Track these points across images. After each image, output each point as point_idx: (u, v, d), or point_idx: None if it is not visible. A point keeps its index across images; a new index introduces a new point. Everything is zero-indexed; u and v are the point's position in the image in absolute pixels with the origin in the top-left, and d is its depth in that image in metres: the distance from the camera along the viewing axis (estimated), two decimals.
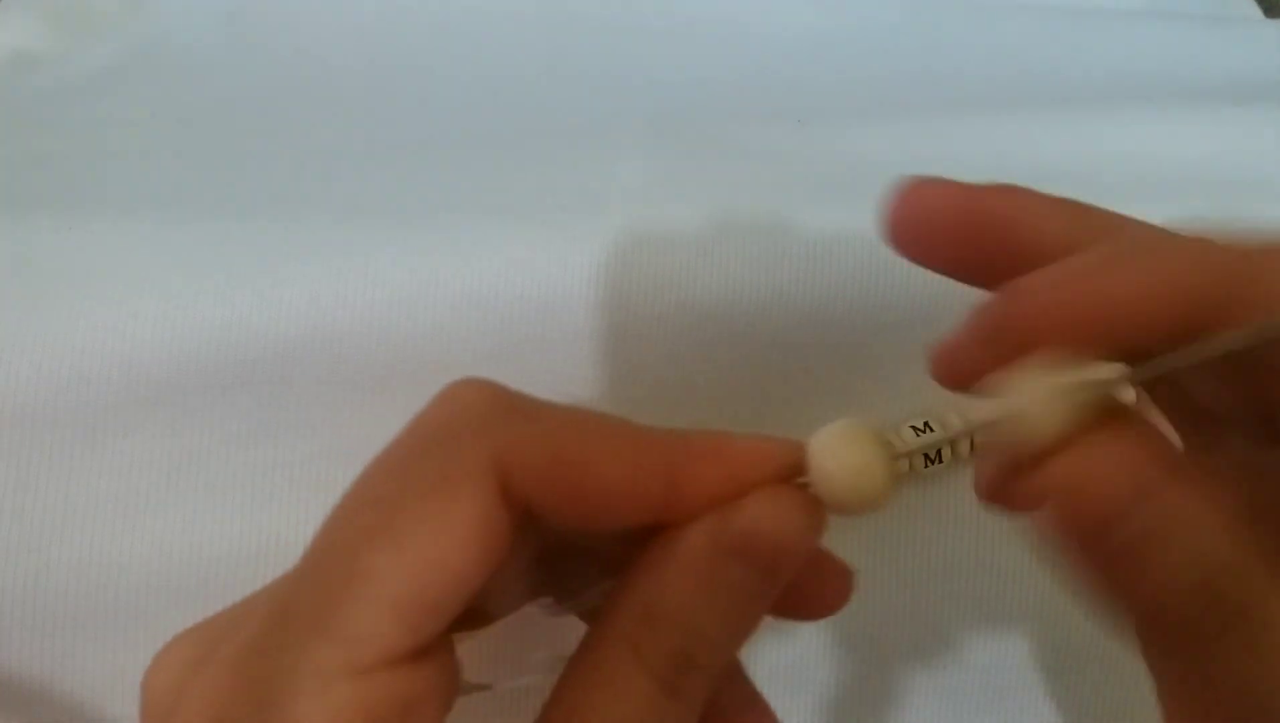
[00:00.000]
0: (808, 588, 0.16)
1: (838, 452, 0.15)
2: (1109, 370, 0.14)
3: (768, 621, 0.16)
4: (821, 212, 0.26)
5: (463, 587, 0.13)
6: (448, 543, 0.13)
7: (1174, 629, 0.13)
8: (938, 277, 0.26)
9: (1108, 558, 0.13)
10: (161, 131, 0.33)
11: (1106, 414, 0.13)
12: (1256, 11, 0.41)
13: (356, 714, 0.13)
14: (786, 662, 0.28)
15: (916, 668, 0.29)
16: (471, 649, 0.16)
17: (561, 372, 0.25)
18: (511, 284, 0.24)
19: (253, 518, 0.25)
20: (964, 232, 0.16)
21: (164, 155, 0.31)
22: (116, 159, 0.31)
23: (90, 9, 0.38)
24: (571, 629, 0.16)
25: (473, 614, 0.15)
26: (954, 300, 0.26)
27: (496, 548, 0.14)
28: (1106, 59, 0.33)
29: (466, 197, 0.27)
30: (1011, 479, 0.14)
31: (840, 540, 0.28)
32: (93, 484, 0.24)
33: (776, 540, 0.14)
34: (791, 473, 0.15)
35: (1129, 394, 0.15)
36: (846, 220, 0.26)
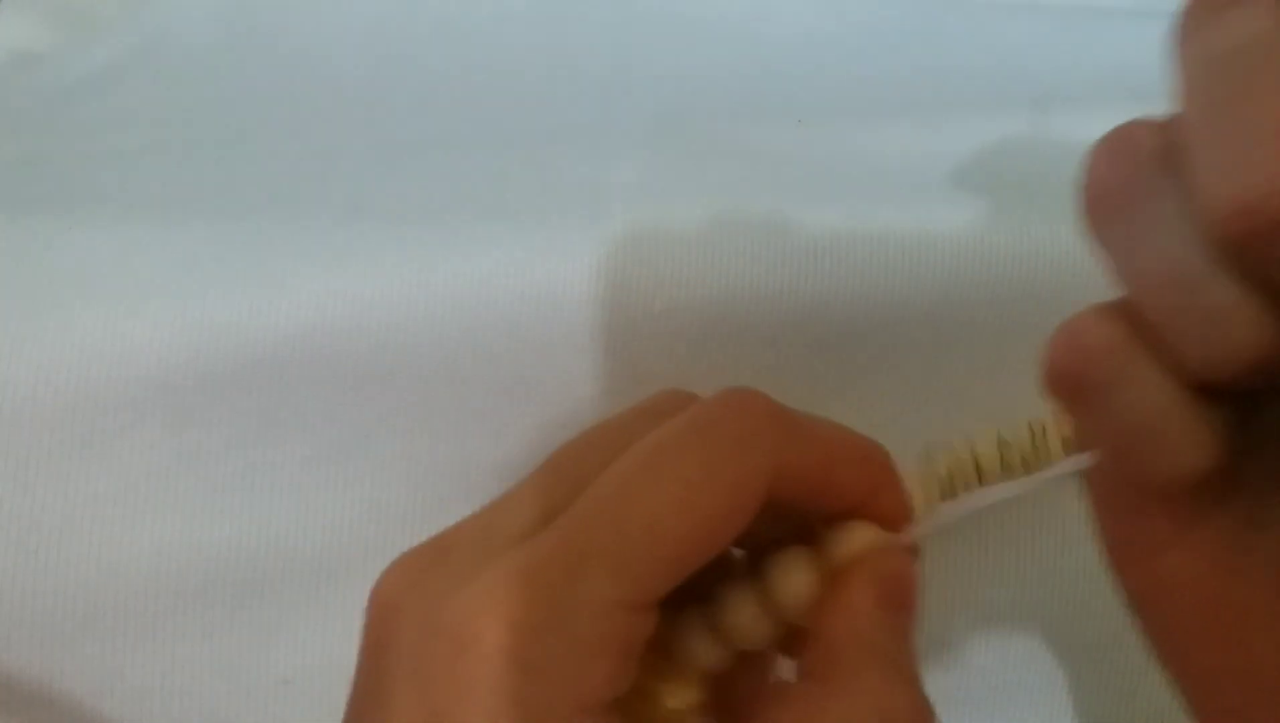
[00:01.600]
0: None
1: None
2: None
3: None
4: (821, 211, 0.26)
5: (709, 558, 0.17)
6: (727, 530, 0.17)
7: None
8: (939, 277, 0.26)
9: None
10: (161, 131, 0.33)
11: None
12: None
13: (621, 641, 0.16)
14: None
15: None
16: None
17: (562, 371, 0.25)
18: (511, 284, 0.24)
19: (253, 518, 0.25)
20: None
21: (164, 155, 0.31)
22: (116, 159, 0.31)
23: (90, 9, 0.38)
24: None
25: None
26: (955, 301, 0.26)
27: (742, 531, 0.17)
28: (1107, 59, 0.33)
29: (466, 196, 0.27)
30: None
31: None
32: (91, 485, 0.24)
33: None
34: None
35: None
36: (846, 219, 0.26)
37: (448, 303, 0.24)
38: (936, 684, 0.28)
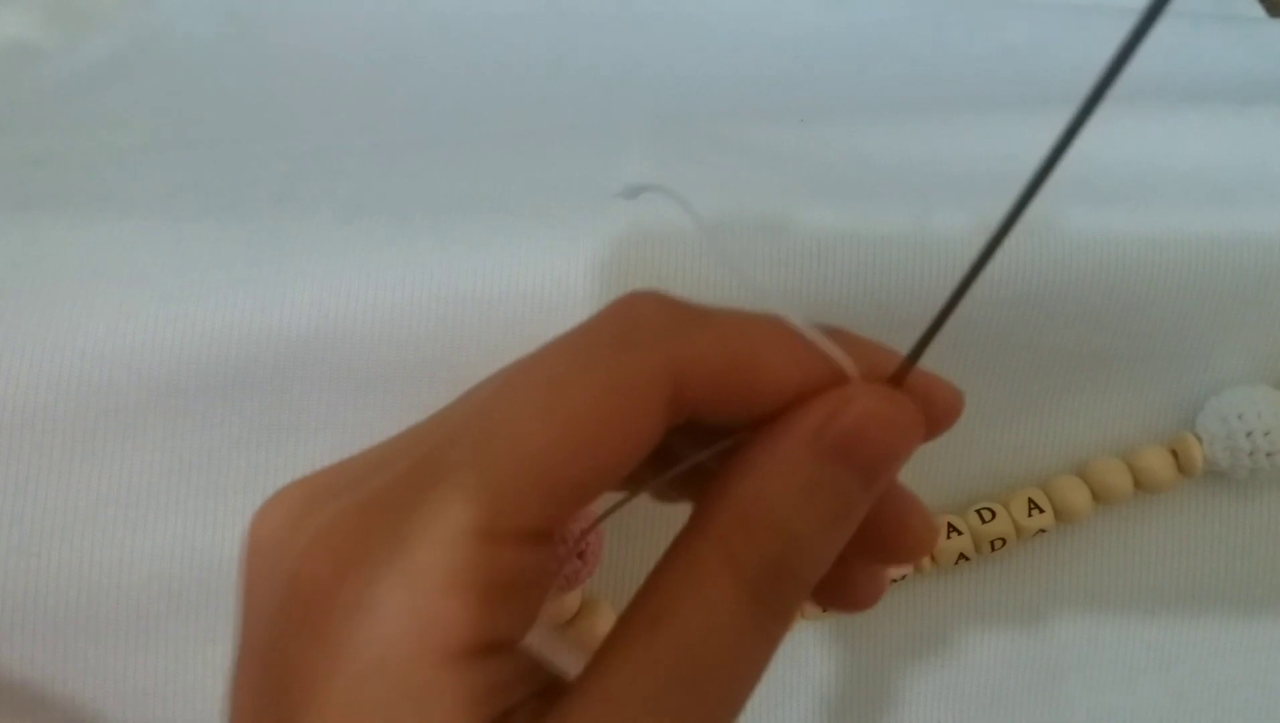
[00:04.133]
0: (893, 528, 0.16)
1: None
2: None
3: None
4: (824, 211, 0.26)
5: (605, 483, 0.14)
6: (611, 440, 0.13)
7: None
8: (940, 278, 0.26)
9: None
10: (161, 128, 0.33)
11: None
12: (1259, 11, 0.41)
13: (475, 577, 0.13)
14: (786, 661, 0.28)
15: (916, 668, 0.29)
16: None
17: None
18: (513, 283, 0.24)
19: None
20: None
21: (164, 153, 0.31)
22: (116, 156, 0.30)
23: (90, 4, 0.38)
24: None
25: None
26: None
27: (647, 448, 0.14)
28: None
29: (468, 195, 0.27)
30: None
31: None
32: (93, 487, 0.24)
33: (880, 443, 0.14)
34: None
35: None
36: (849, 219, 0.26)
37: (449, 303, 0.24)
38: (936, 682, 0.29)
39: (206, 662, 0.25)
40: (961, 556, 0.27)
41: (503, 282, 0.24)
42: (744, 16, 0.37)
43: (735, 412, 0.15)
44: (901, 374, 0.15)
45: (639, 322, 0.15)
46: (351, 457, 0.15)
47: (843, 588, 0.17)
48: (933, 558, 0.27)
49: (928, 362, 0.15)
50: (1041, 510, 0.27)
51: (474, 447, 0.13)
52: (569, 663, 0.15)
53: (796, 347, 0.15)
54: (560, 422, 0.13)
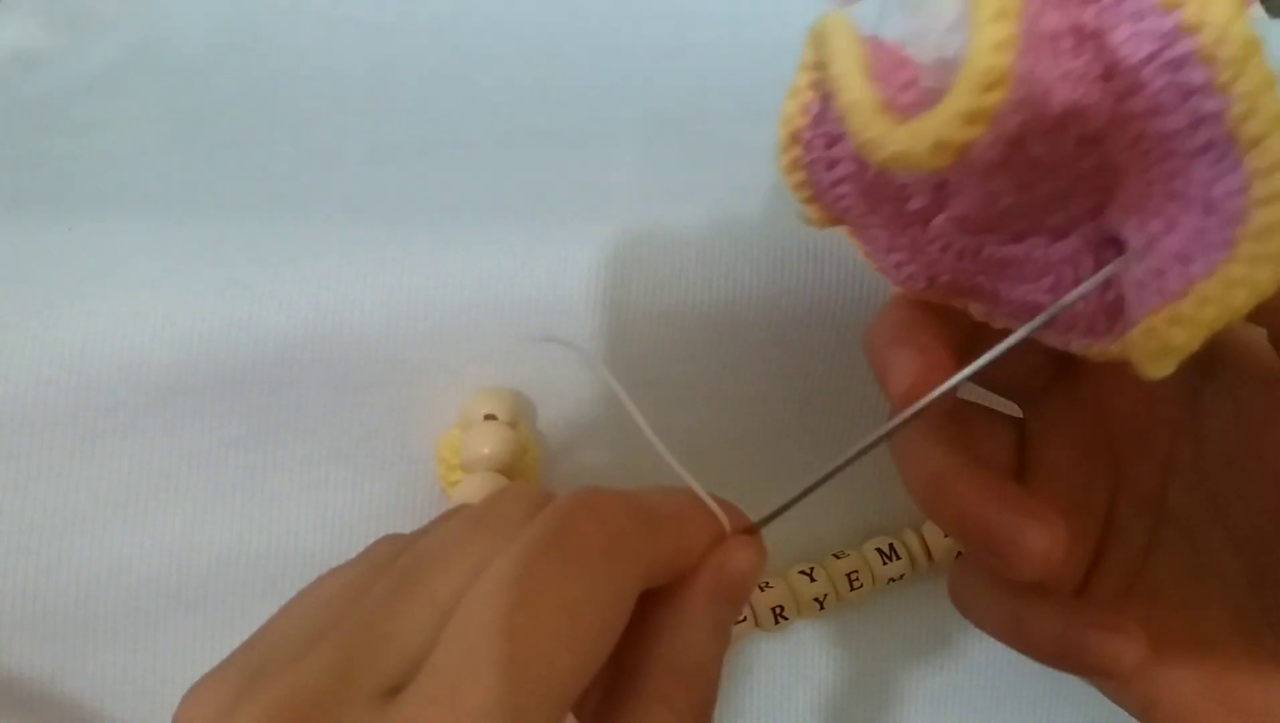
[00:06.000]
0: None
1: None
2: None
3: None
4: None
5: (590, 681, 0.15)
6: (612, 645, 0.15)
7: None
8: None
9: None
10: (161, 132, 0.33)
11: None
12: (1260, 12, 0.41)
13: None
14: (785, 661, 0.28)
15: (915, 668, 0.29)
16: None
17: (561, 372, 0.25)
18: (511, 285, 0.24)
19: (252, 520, 0.25)
20: None
21: (164, 156, 0.31)
22: (116, 159, 0.31)
23: (90, 9, 0.38)
24: None
25: None
26: None
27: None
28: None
29: (466, 197, 0.27)
30: None
31: (839, 539, 0.28)
32: (92, 486, 0.24)
33: (751, 579, 0.18)
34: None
35: None
36: None
37: (447, 304, 0.24)
38: (936, 683, 0.29)
39: (205, 660, 0.25)
40: (959, 553, 0.27)
41: (499, 284, 0.24)
42: (741, 17, 0.37)
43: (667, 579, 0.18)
44: (758, 526, 0.19)
45: (622, 534, 0.16)
46: (264, 635, 0.16)
47: None
48: (930, 556, 0.27)
49: None
50: None
51: (510, 680, 0.14)
52: None
53: (706, 525, 0.18)
54: (584, 648, 0.15)
